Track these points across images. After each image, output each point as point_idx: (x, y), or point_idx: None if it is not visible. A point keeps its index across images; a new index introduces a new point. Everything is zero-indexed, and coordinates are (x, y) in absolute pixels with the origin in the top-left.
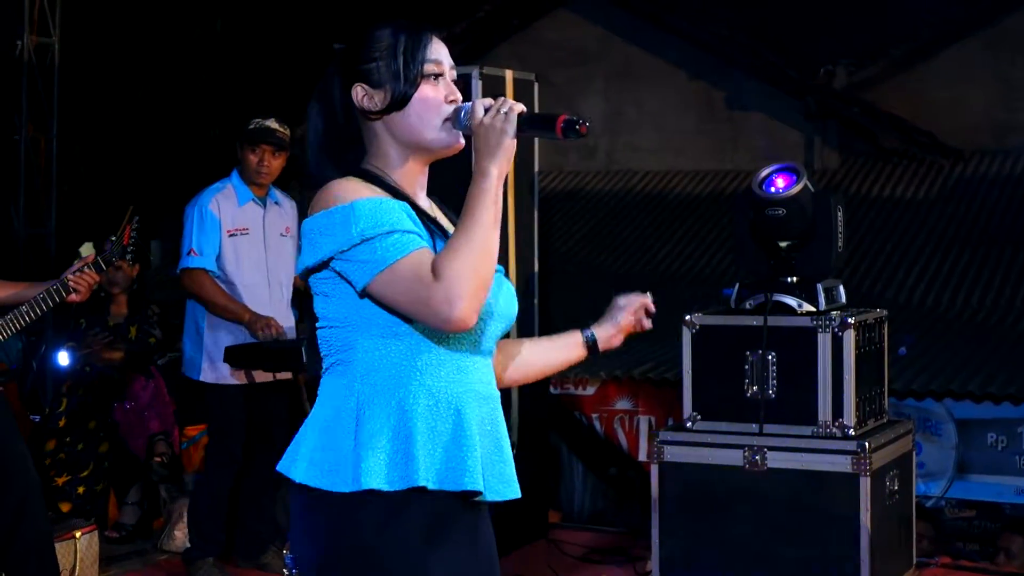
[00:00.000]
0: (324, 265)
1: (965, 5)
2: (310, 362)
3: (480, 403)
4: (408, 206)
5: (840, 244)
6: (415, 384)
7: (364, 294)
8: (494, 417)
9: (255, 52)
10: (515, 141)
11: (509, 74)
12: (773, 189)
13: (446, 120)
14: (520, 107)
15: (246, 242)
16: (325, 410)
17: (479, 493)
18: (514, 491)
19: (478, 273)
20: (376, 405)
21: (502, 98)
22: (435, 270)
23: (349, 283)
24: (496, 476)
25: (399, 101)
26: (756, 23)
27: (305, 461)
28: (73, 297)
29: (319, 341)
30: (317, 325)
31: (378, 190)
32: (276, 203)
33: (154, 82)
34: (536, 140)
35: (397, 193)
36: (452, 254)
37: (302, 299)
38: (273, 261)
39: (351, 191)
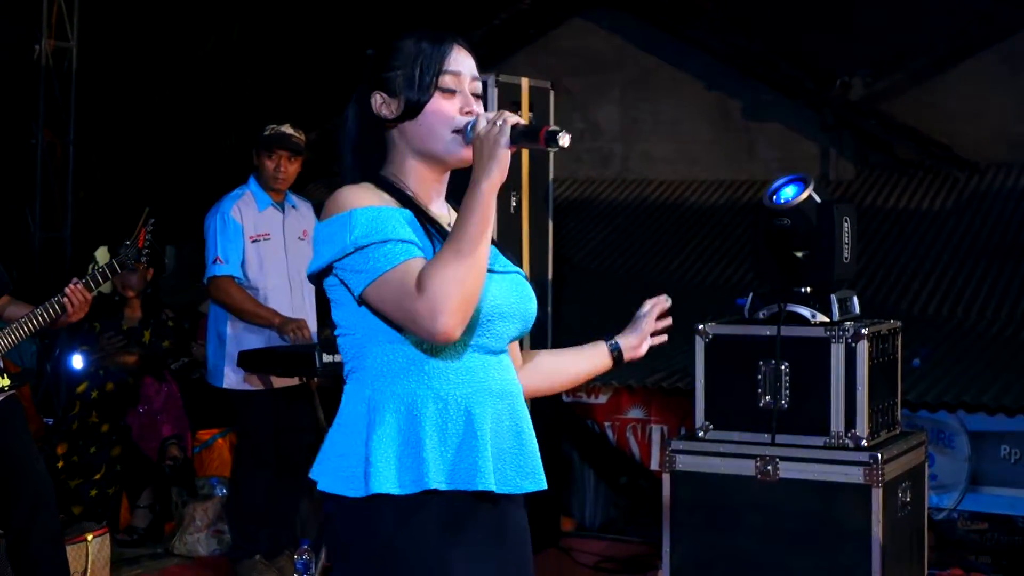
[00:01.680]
0: (327, 272)
1: (982, 19)
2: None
3: (494, 400)
4: (411, 214)
5: (846, 254)
6: (423, 388)
7: (361, 302)
8: (512, 411)
9: (272, 59)
10: (508, 153)
11: (525, 82)
12: (782, 199)
13: (456, 132)
14: (515, 119)
15: (268, 247)
16: (341, 416)
17: (492, 492)
18: (536, 483)
19: (463, 286)
20: (386, 411)
21: (501, 111)
22: (420, 283)
23: (349, 291)
24: (516, 469)
25: (411, 111)
26: (773, 34)
27: (324, 467)
28: (64, 320)
29: (339, 348)
30: (335, 332)
31: (386, 197)
32: (293, 207)
33: (171, 88)
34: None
35: (407, 200)
36: (437, 267)
37: (321, 304)
38: (293, 265)
39: (354, 198)
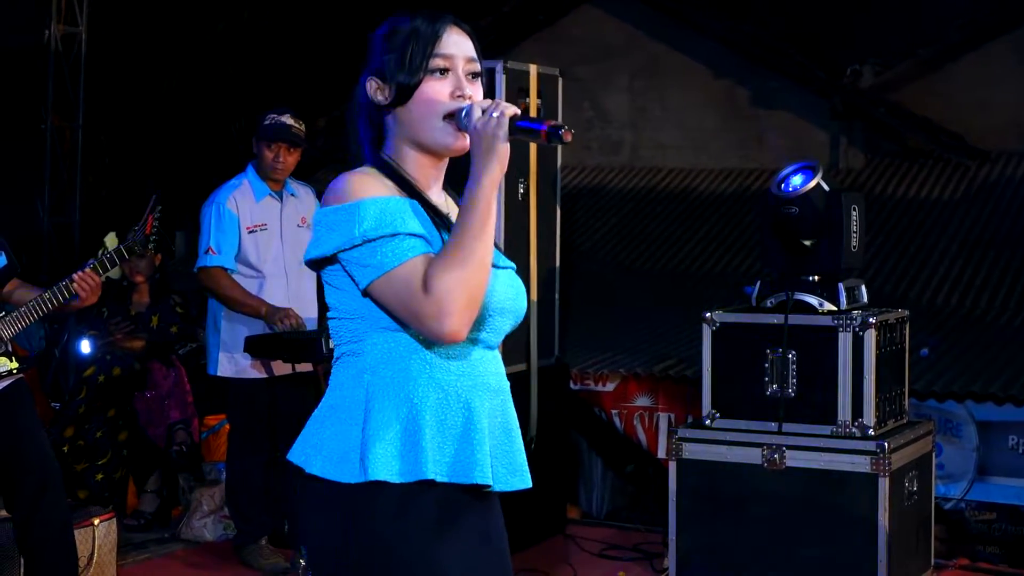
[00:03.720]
0: (331, 260)
1: (993, 7)
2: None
3: (490, 396)
4: (417, 203)
5: (854, 243)
6: (424, 378)
7: (365, 294)
8: (504, 409)
9: (281, 44)
10: (507, 147)
11: (533, 69)
12: (790, 187)
13: (446, 118)
14: (513, 110)
15: (264, 237)
16: (334, 400)
17: (488, 486)
18: (524, 481)
19: (468, 286)
20: (386, 397)
21: (496, 100)
22: (426, 283)
23: (353, 280)
24: (506, 467)
25: (402, 96)
26: (783, 21)
27: (315, 451)
28: (76, 304)
29: (330, 331)
30: (328, 315)
31: (390, 184)
32: (293, 195)
33: (180, 73)
34: None
35: (409, 187)
36: (442, 268)
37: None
38: (290, 254)
39: (361, 187)
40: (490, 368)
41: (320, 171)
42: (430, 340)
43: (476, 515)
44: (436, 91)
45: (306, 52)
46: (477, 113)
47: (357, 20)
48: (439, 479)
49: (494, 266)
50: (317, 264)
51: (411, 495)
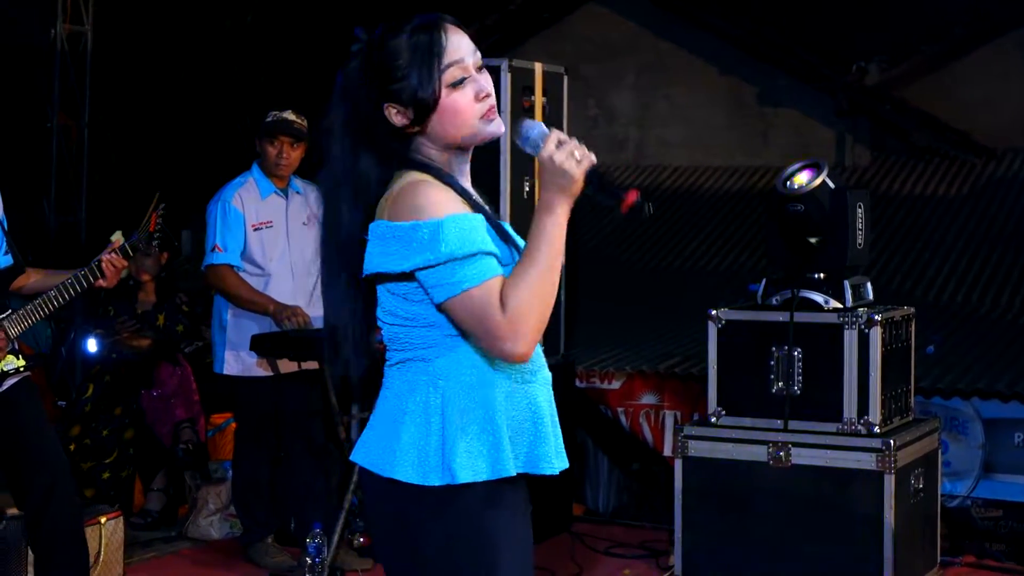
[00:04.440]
0: (406, 276)
1: (999, 4)
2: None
3: (546, 387)
4: (484, 218)
5: (859, 241)
6: (496, 380)
7: (439, 309)
8: (552, 398)
9: (286, 43)
10: (580, 184)
11: (539, 67)
12: (796, 185)
13: (482, 117)
14: (592, 159)
15: (270, 235)
16: (407, 405)
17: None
18: (564, 461)
19: (543, 310)
20: (462, 400)
21: (576, 141)
22: (504, 303)
23: (427, 294)
24: (556, 451)
25: (424, 114)
26: (788, 19)
27: (391, 455)
28: (101, 282)
29: (390, 337)
30: (389, 322)
31: (454, 195)
32: (298, 193)
33: (185, 72)
34: (564, 126)
35: (466, 194)
36: (520, 289)
37: None
38: (296, 251)
39: (436, 202)
40: (541, 363)
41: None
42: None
43: (525, 500)
44: (463, 101)
45: (312, 50)
46: (553, 145)
47: (362, 20)
48: (517, 473)
49: None
50: (382, 278)
51: (495, 492)
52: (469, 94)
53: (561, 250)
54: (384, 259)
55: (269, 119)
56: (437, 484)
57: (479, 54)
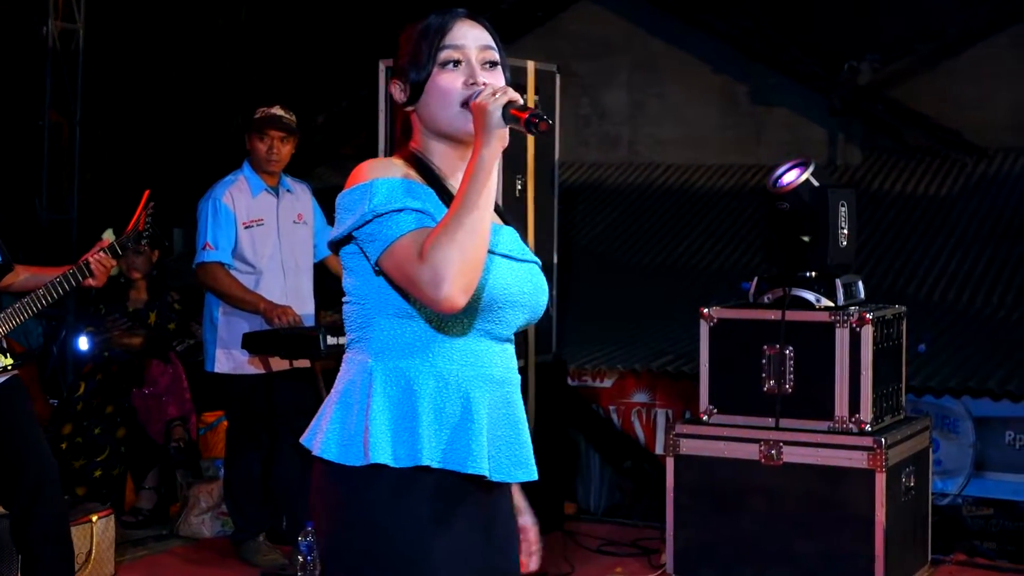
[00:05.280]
0: (348, 240)
1: (992, 3)
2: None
3: (493, 387)
4: (432, 191)
5: (842, 239)
6: (426, 366)
7: (378, 271)
8: (509, 400)
9: (280, 41)
10: (507, 127)
11: (531, 65)
12: (784, 183)
13: (463, 105)
14: (512, 96)
15: (261, 232)
16: (341, 385)
17: (484, 477)
18: (529, 473)
19: (464, 254)
20: (387, 383)
21: (505, 87)
22: (423, 251)
23: (367, 259)
24: (509, 458)
25: (416, 92)
26: (781, 18)
27: (321, 434)
28: (89, 282)
29: (343, 317)
30: (343, 300)
31: (411, 172)
32: (288, 191)
33: (178, 70)
34: (556, 131)
35: (431, 175)
36: (439, 236)
37: (319, 288)
38: (287, 249)
39: (378, 170)
40: (496, 360)
41: (318, 167)
42: (435, 321)
43: (476, 508)
44: (449, 81)
45: (304, 48)
46: (485, 93)
47: (355, 17)
48: (434, 465)
49: (513, 259)
50: (337, 246)
51: (407, 480)
52: (459, 77)
53: (485, 189)
54: (335, 228)
55: (258, 115)
56: (356, 464)
57: (495, 54)
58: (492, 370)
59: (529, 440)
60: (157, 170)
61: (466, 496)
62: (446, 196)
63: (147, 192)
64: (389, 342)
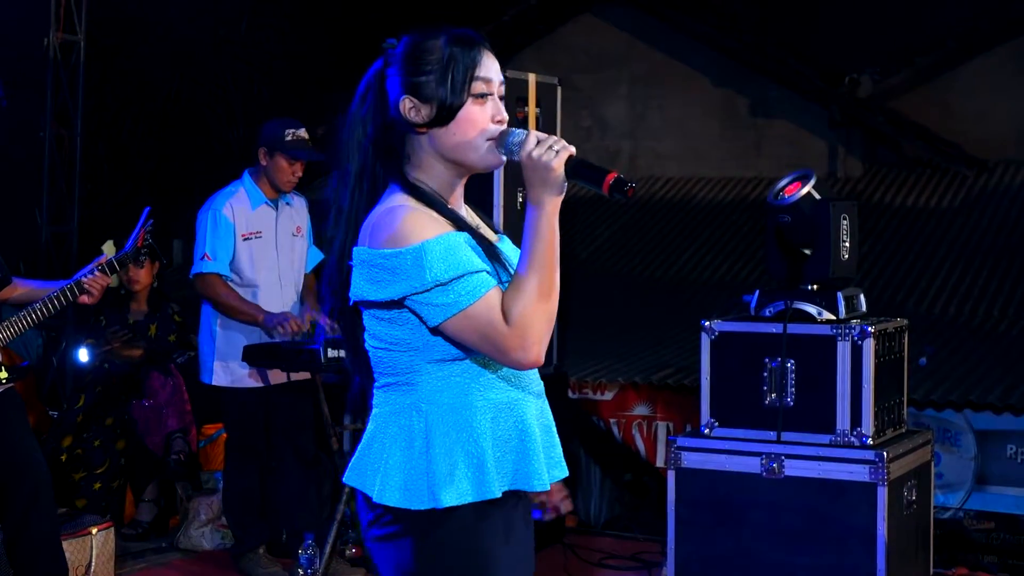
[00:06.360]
0: (394, 304)
1: (992, 16)
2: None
3: (535, 401)
4: (470, 236)
5: (844, 253)
6: (480, 401)
7: (435, 332)
8: (544, 408)
9: (279, 53)
10: (563, 175)
11: (532, 78)
12: (784, 196)
13: (489, 140)
14: (571, 150)
15: (259, 245)
16: (392, 429)
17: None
18: (563, 471)
19: (549, 316)
20: (445, 424)
21: (555, 137)
22: (506, 314)
23: (420, 319)
24: (549, 461)
25: (444, 118)
26: (782, 31)
27: (380, 479)
28: (85, 299)
29: (375, 360)
30: (374, 345)
31: (436, 216)
32: (288, 204)
33: (178, 81)
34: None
35: (451, 214)
36: (521, 297)
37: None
38: (285, 262)
39: (418, 227)
40: (532, 375)
41: (317, 180)
42: (481, 356)
43: (523, 516)
44: (478, 114)
45: (304, 61)
46: (532, 143)
47: (355, 29)
48: (502, 492)
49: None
50: (368, 304)
51: (480, 515)
52: (489, 111)
53: (555, 245)
54: (370, 287)
55: (287, 137)
56: (423, 508)
57: (504, 87)
58: (532, 386)
59: (558, 439)
60: (157, 182)
61: (518, 510)
62: (479, 239)
63: (147, 210)
64: (439, 384)
